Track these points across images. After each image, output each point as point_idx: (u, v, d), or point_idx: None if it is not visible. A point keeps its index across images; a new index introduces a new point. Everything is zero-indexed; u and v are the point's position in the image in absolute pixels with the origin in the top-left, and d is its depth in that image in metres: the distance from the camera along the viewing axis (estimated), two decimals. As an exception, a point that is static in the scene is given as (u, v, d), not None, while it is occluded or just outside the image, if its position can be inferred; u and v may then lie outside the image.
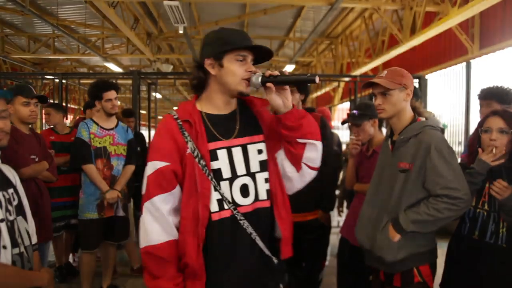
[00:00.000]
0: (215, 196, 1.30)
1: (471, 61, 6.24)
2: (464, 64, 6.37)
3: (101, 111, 3.09)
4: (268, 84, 1.31)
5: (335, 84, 10.46)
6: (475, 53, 6.05)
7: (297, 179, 1.46)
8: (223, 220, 1.30)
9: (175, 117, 1.36)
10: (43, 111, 3.87)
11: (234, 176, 1.33)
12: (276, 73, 1.32)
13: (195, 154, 1.30)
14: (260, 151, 1.39)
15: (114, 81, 7.03)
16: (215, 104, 1.39)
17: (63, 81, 5.83)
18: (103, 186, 2.97)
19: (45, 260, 2.83)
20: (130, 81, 8.61)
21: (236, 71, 1.32)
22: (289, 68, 9.50)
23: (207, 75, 1.38)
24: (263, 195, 1.38)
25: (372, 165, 2.38)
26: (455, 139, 6.49)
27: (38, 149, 2.73)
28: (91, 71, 13.38)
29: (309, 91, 2.75)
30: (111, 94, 3.03)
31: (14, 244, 1.41)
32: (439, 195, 1.65)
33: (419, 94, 3.46)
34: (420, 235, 1.73)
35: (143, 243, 1.30)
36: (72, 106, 14.38)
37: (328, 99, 13.57)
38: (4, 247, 1.35)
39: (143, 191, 1.33)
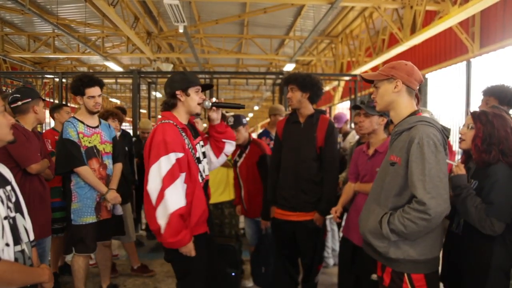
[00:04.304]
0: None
1: (472, 60, 6.24)
2: (464, 63, 6.37)
3: (83, 108, 2.89)
4: (213, 108, 2.26)
5: (335, 83, 10.44)
6: (476, 52, 6.05)
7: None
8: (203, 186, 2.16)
9: (174, 124, 2.08)
10: (63, 110, 3.75)
11: (201, 160, 2.22)
12: (216, 100, 2.28)
13: (190, 147, 2.09)
14: (202, 146, 2.28)
15: (114, 80, 7.06)
16: (182, 118, 2.17)
17: (63, 80, 5.83)
18: (102, 188, 2.85)
19: (47, 255, 2.81)
20: (130, 80, 8.63)
21: (195, 98, 2.15)
22: (289, 67, 9.49)
23: (176, 100, 2.15)
24: (207, 171, 2.27)
25: (374, 164, 2.38)
26: (456, 138, 6.50)
27: (39, 147, 2.78)
28: (91, 70, 13.38)
29: (314, 87, 2.74)
30: (95, 90, 2.84)
31: (16, 241, 1.43)
32: (413, 197, 1.60)
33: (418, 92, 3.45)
34: (421, 241, 1.66)
35: (169, 210, 1.92)
36: (72, 105, 14.38)
37: (328, 98, 13.57)
38: (7, 245, 1.37)
39: (164, 173, 1.95)
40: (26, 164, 2.61)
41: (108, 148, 3.00)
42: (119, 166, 3.08)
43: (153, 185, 1.95)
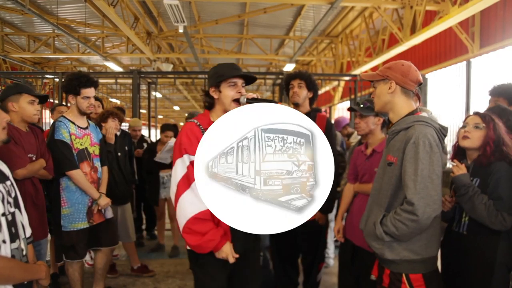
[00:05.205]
0: None
1: (472, 60, 6.25)
2: (464, 63, 6.37)
3: (74, 108, 2.77)
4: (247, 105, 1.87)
5: (335, 83, 10.43)
6: (476, 52, 6.05)
7: None
8: None
9: (197, 124, 1.88)
10: (56, 111, 3.76)
11: None
12: (253, 95, 1.85)
13: None
14: None
15: (114, 80, 7.06)
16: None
17: (63, 80, 5.82)
18: (94, 193, 2.75)
19: (43, 257, 2.71)
20: (130, 80, 8.63)
21: (228, 94, 1.86)
22: (289, 67, 9.49)
23: (213, 98, 1.92)
24: None
25: (372, 164, 2.39)
26: (452, 138, 6.50)
27: (35, 147, 2.60)
28: (91, 70, 13.39)
29: (317, 90, 2.80)
30: (90, 91, 2.73)
31: (14, 237, 1.43)
32: (404, 199, 1.60)
33: (420, 92, 3.44)
34: (415, 241, 1.65)
35: (188, 215, 1.75)
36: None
37: (328, 98, 13.57)
38: (4, 242, 1.37)
39: (179, 178, 1.79)
40: (11, 169, 2.41)
41: (97, 150, 2.91)
42: (106, 169, 3.00)
43: (171, 190, 1.87)
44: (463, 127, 2.00)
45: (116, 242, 3.13)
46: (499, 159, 1.86)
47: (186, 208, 1.77)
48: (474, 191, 1.85)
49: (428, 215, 1.55)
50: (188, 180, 1.79)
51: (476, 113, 2.00)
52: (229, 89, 1.86)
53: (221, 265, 1.83)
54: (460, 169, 1.91)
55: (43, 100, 2.69)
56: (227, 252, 1.79)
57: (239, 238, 1.83)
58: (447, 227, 2.05)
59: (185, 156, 1.81)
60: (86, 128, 2.86)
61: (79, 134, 2.77)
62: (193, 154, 1.75)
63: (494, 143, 1.89)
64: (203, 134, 1.78)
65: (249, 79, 1.93)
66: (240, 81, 1.88)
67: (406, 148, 1.62)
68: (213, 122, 1.79)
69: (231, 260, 1.79)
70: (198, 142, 1.75)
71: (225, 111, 1.84)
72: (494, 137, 1.89)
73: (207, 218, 1.76)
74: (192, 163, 1.77)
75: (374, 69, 8.98)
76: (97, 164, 2.89)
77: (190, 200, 1.77)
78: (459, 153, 2.06)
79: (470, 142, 1.95)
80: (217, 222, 1.79)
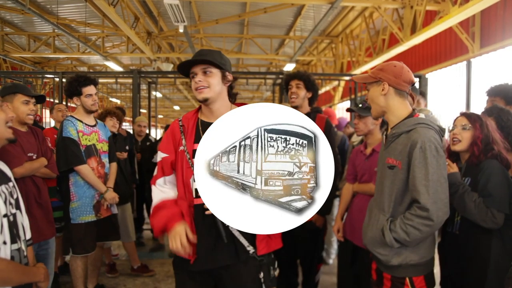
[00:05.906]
0: (194, 185, 1.66)
1: (472, 60, 6.25)
2: (464, 63, 6.37)
3: (80, 108, 2.93)
4: None
5: (335, 83, 10.44)
6: (476, 52, 6.05)
7: None
8: (198, 205, 1.67)
9: (179, 120, 1.79)
10: (54, 109, 3.85)
11: None
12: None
13: (185, 150, 1.70)
14: None
15: (115, 80, 7.07)
16: (205, 113, 1.78)
17: (63, 80, 5.82)
18: (102, 187, 2.87)
19: (50, 257, 2.65)
20: (130, 80, 8.63)
21: (192, 85, 1.71)
22: (289, 67, 9.49)
23: None
24: None
25: (372, 164, 2.38)
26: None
27: (35, 146, 2.61)
28: (91, 70, 13.39)
29: (317, 89, 2.77)
30: (91, 89, 2.89)
31: (14, 239, 1.43)
32: (415, 202, 1.59)
33: (417, 92, 3.45)
34: (421, 245, 1.65)
35: (152, 205, 1.72)
36: (72, 105, 14.34)
37: (328, 98, 13.57)
38: (4, 243, 1.37)
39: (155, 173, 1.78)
40: None
41: (105, 147, 3.04)
42: (114, 165, 3.12)
43: None
44: (452, 129, 2.04)
45: (119, 238, 3.26)
46: (491, 157, 1.88)
47: (153, 199, 1.76)
48: (464, 189, 1.87)
49: (441, 219, 1.55)
50: (156, 177, 1.77)
51: (463, 114, 2.03)
52: (192, 80, 1.70)
53: (193, 280, 1.70)
54: (451, 168, 1.93)
55: (40, 100, 2.69)
56: (179, 232, 1.59)
57: (207, 248, 1.67)
58: (443, 228, 2.06)
59: (159, 153, 1.79)
60: (94, 125, 3.00)
61: (87, 131, 2.91)
62: (164, 151, 1.76)
63: (482, 142, 1.91)
64: (181, 131, 1.76)
65: (203, 62, 1.66)
66: (199, 69, 1.66)
67: (413, 153, 1.59)
68: (198, 117, 1.78)
69: (181, 251, 1.57)
70: (174, 138, 1.77)
71: (202, 104, 1.75)
72: (481, 136, 1.91)
73: (160, 206, 1.71)
74: (162, 159, 1.76)
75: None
76: (105, 160, 3.00)
77: (154, 193, 1.76)
78: (453, 154, 2.08)
79: (461, 145, 1.99)
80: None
